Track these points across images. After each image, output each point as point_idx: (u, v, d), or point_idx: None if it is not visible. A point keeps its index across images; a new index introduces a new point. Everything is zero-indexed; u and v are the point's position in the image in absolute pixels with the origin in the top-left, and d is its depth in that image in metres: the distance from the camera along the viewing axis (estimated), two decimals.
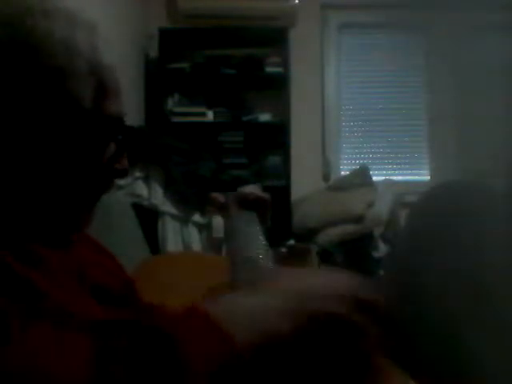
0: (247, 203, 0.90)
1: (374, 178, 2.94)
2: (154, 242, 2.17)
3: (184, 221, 2.32)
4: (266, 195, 0.95)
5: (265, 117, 3.19)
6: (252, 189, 0.94)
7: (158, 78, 3.14)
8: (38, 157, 0.54)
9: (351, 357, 0.50)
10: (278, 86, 3.12)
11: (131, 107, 2.84)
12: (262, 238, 0.77)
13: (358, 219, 2.64)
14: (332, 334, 0.48)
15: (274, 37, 3.16)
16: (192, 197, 2.30)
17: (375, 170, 3.16)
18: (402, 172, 3.37)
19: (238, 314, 0.45)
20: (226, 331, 0.42)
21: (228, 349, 0.42)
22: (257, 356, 0.44)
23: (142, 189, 2.26)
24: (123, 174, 0.62)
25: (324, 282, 0.52)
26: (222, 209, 0.91)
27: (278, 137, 3.13)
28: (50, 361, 0.36)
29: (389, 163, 3.40)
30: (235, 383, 0.42)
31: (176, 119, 3.11)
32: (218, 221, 2.26)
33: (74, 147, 0.56)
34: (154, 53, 3.20)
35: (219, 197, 0.93)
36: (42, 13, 0.54)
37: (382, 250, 2.62)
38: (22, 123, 0.52)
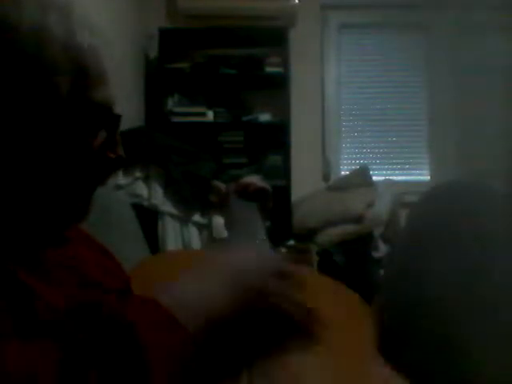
0: (248, 194, 0.89)
1: (374, 178, 2.94)
2: (154, 242, 2.17)
3: (184, 221, 2.32)
4: (267, 186, 0.94)
5: (265, 117, 3.19)
6: (253, 179, 0.93)
7: (158, 77, 3.14)
8: (21, 150, 0.51)
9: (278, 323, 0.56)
10: (278, 86, 3.12)
11: (131, 107, 2.84)
12: (262, 229, 0.76)
13: (358, 219, 2.64)
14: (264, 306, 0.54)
15: (274, 37, 3.16)
16: (192, 197, 2.30)
17: (375, 170, 3.16)
18: (402, 172, 3.37)
19: (186, 302, 0.47)
20: (178, 320, 0.44)
21: (184, 337, 0.44)
22: (206, 338, 0.47)
23: (141, 189, 2.26)
24: (118, 162, 0.60)
25: (247, 258, 0.56)
26: (224, 199, 0.90)
27: (278, 137, 3.13)
28: (10, 364, 0.36)
29: (389, 163, 3.40)
30: (192, 368, 0.44)
31: (176, 119, 3.11)
32: (218, 221, 2.26)
33: (56, 137, 0.53)
34: (154, 53, 3.20)
35: (221, 186, 0.93)
36: (10, 0, 0.51)
37: (381, 250, 2.62)
38: None
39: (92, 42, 0.56)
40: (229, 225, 0.88)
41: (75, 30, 0.55)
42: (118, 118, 0.60)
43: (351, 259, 2.54)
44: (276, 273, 0.56)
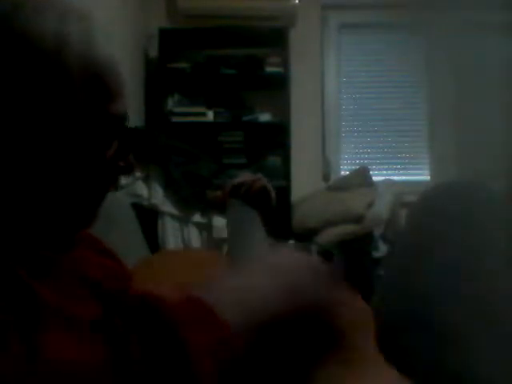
0: (244, 195, 0.85)
1: (374, 178, 2.94)
2: (154, 242, 2.17)
3: (184, 221, 2.32)
4: (259, 181, 0.88)
5: (265, 117, 3.19)
6: (245, 177, 0.87)
7: (158, 78, 3.14)
8: (38, 160, 0.52)
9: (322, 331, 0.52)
10: (278, 86, 3.12)
11: (131, 107, 2.84)
12: (260, 231, 0.73)
13: (358, 219, 2.64)
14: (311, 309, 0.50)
15: (274, 37, 3.16)
16: (192, 197, 2.30)
17: (375, 170, 3.16)
18: (402, 172, 3.37)
19: (231, 298, 0.45)
20: (221, 318, 0.42)
21: (226, 336, 0.42)
22: (252, 337, 0.44)
23: (142, 189, 2.26)
24: (128, 170, 0.61)
25: (295, 259, 0.53)
26: (222, 202, 0.87)
27: (278, 137, 3.13)
28: (71, 360, 0.36)
29: (389, 163, 3.40)
30: (234, 366, 0.42)
31: (176, 119, 3.11)
32: (218, 221, 2.26)
33: (72, 145, 0.54)
34: (154, 53, 3.20)
35: (217, 193, 0.91)
36: (32, 9, 0.52)
37: (382, 249, 2.62)
38: (14, 127, 0.51)
39: (110, 54, 0.57)
40: (228, 232, 0.85)
41: (94, 40, 0.55)
42: (130, 130, 0.62)
43: (351, 259, 2.54)
44: (330, 280, 0.53)
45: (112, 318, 0.41)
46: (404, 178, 3.32)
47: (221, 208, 0.91)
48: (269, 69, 3.15)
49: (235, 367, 0.42)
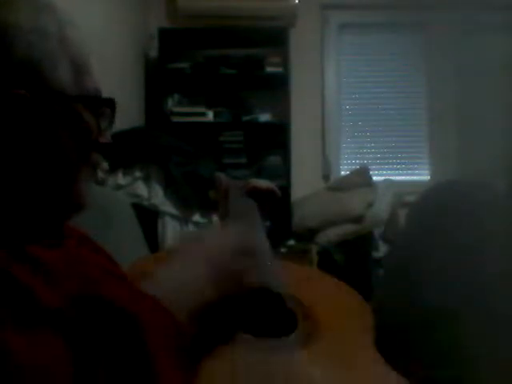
0: (251, 194, 0.87)
1: (374, 178, 2.94)
2: (154, 242, 2.17)
3: (184, 221, 2.32)
4: (269, 186, 0.92)
5: (265, 117, 3.19)
6: (263, 184, 0.91)
7: (158, 78, 3.14)
8: (20, 143, 0.53)
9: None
10: (278, 86, 3.12)
11: (131, 107, 2.84)
12: (260, 227, 0.74)
13: (358, 219, 2.64)
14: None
15: (274, 37, 3.16)
16: (192, 197, 2.30)
17: (375, 170, 3.16)
18: (402, 172, 3.37)
19: (174, 290, 0.51)
20: (170, 310, 0.47)
21: (176, 325, 0.47)
22: (194, 324, 0.50)
23: (142, 189, 2.26)
24: (107, 147, 0.62)
25: (224, 241, 0.59)
26: (223, 193, 0.88)
27: (278, 137, 3.13)
28: (24, 358, 0.36)
29: (389, 163, 3.40)
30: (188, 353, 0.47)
31: (176, 119, 3.11)
32: (218, 221, 2.25)
33: (55, 129, 0.55)
34: (154, 53, 3.20)
35: (223, 178, 0.91)
36: (4, 4, 0.54)
37: (381, 250, 2.62)
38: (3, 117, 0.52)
39: (77, 34, 0.60)
40: (224, 219, 0.86)
41: (63, 24, 0.58)
42: (109, 101, 0.62)
43: (351, 259, 2.54)
44: (242, 251, 0.58)
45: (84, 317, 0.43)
46: (404, 177, 3.32)
47: (218, 200, 0.91)
48: (269, 69, 3.15)
49: (189, 349, 0.47)
